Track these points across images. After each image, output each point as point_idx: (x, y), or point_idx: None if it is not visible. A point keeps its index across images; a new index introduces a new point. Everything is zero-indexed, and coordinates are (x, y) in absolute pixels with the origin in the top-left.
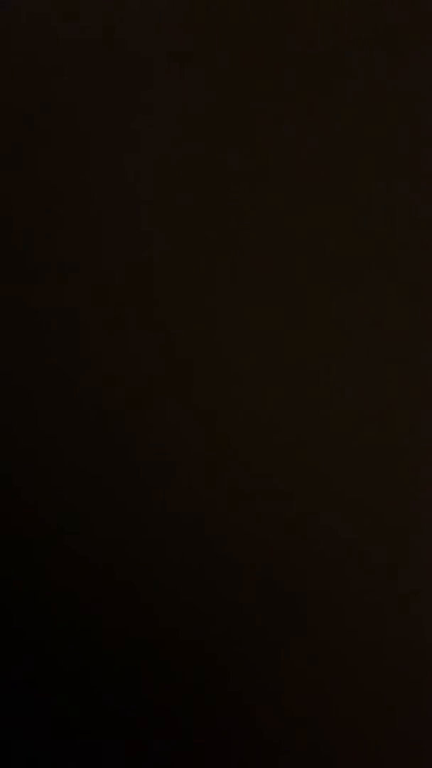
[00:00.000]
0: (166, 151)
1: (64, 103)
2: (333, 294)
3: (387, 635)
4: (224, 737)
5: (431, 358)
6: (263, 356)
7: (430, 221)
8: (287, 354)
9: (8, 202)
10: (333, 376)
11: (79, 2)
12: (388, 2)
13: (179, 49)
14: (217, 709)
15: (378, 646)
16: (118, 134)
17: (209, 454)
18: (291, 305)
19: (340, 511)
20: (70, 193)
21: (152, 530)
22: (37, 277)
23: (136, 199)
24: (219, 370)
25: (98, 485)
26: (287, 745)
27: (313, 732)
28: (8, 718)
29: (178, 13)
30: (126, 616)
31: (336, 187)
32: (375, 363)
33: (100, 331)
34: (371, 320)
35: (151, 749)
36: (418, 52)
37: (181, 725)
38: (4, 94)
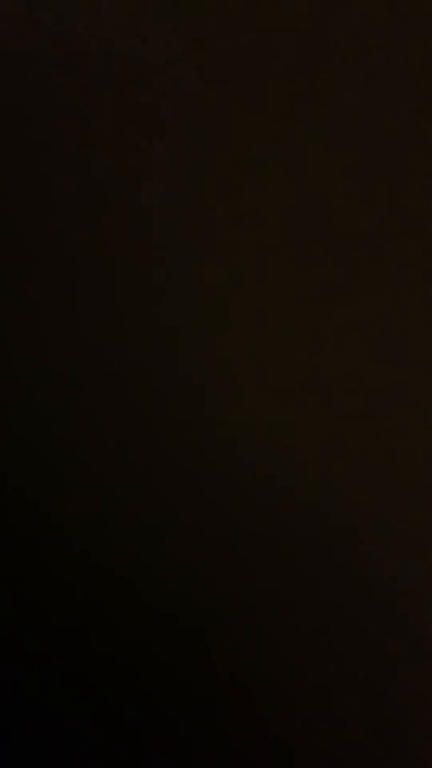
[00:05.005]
0: (170, 154)
1: (66, 104)
2: (332, 284)
3: (385, 622)
4: (223, 723)
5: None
6: (264, 341)
7: (429, 220)
8: (289, 340)
9: (9, 202)
10: (333, 362)
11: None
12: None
13: (182, 54)
14: (216, 700)
15: (377, 632)
16: (120, 134)
17: (211, 448)
18: (292, 298)
19: (339, 499)
20: (72, 191)
21: (152, 521)
22: (38, 273)
23: (138, 197)
24: (220, 359)
25: (99, 476)
26: (287, 731)
27: (312, 714)
28: (8, 718)
29: (177, 19)
30: (123, 604)
31: (337, 183)
32: (376, 349)
33: (101, 326)
34: (372, 307)
35: (147, 736)
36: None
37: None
38: (6, 96)
